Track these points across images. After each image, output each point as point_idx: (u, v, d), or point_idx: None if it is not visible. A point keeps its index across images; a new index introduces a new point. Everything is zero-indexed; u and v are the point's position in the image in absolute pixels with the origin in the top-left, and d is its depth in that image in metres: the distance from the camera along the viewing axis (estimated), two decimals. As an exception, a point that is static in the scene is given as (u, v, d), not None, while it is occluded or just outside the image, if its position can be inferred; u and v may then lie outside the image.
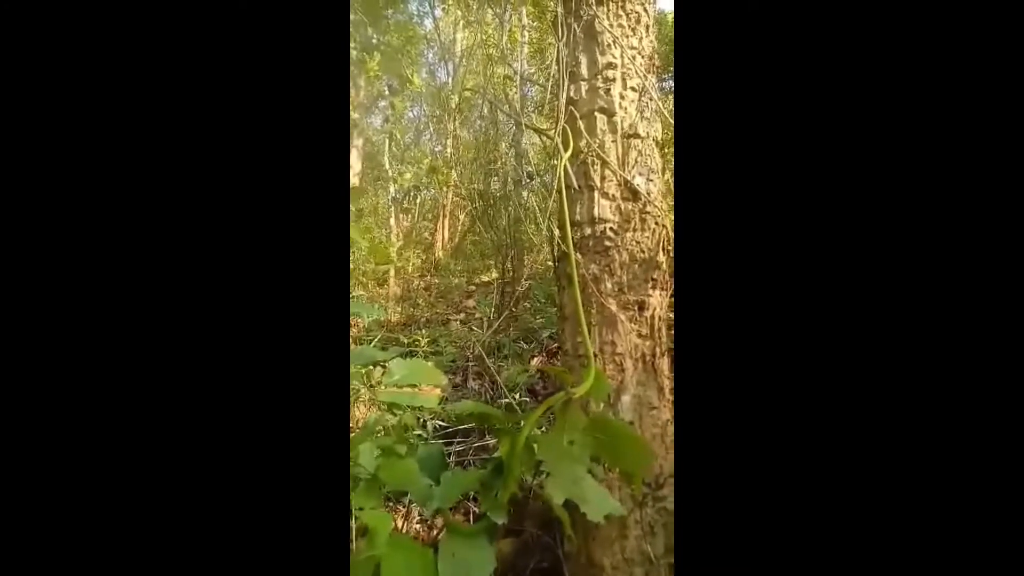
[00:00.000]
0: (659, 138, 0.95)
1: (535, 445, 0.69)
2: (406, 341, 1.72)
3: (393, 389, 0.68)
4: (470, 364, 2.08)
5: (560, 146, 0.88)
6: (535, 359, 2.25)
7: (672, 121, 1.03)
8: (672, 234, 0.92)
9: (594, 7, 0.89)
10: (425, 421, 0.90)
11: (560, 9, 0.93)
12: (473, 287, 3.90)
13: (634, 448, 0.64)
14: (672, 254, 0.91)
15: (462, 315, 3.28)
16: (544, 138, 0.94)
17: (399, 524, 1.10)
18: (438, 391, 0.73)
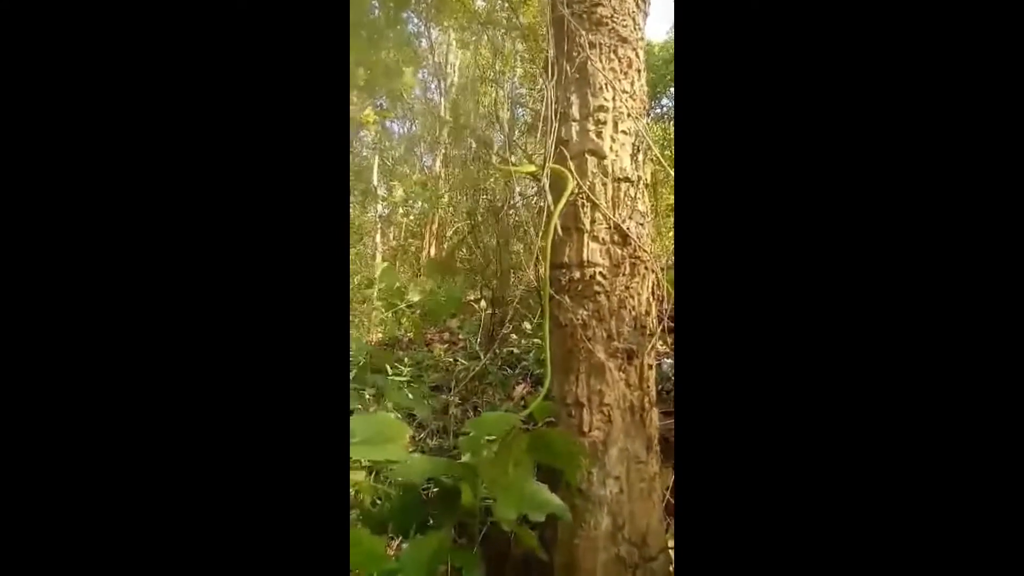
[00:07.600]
0: (648, 181, 0.94)
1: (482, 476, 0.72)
2: (390, 370, 1.65)
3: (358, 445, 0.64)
4: (452, 390, 2.02)
5: (547, 190, 0.86)
6: (519, 386, 2.20)
7: (663, 163, 1.02)
8: (662, 280, 0.90)
9: (587, 49, 0.89)
10: (391, 482, 0.86)
11: (552, 51, 0.92)
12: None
13: (565, 445, 0.72)
14: (661, 300, 0.89)
15: (446, 333, 3.21)
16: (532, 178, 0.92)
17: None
18: (405, 442, 0.69)
